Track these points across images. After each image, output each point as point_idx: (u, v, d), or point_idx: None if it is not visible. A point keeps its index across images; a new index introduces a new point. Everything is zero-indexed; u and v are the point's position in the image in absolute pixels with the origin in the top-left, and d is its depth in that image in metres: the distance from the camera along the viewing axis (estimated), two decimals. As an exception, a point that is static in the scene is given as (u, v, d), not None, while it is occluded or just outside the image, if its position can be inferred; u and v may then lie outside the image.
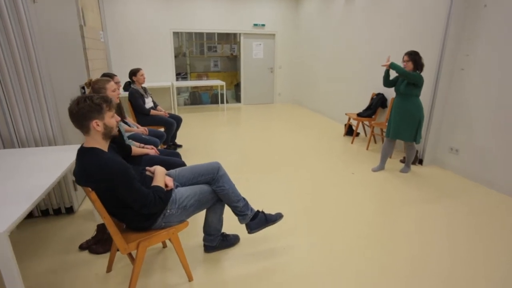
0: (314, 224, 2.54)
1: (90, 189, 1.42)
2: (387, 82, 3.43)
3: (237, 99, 8.47)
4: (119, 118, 1.58)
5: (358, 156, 4.21)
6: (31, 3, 2.19)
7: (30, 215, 2.58)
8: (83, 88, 3.09)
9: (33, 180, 1.71)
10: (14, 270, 1.28)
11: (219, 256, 2.12)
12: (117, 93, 2.37)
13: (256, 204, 2.83)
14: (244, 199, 1.99)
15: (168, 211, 1.68)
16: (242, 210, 1.96)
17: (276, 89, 8.21)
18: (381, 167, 3.70)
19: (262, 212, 2.05)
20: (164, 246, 2.22)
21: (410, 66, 3.21)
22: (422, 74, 3.25)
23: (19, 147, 2.38)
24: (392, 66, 3.21)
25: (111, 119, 1.50)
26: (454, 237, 2.38)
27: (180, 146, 4.53)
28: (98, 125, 1.44)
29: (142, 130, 3.29)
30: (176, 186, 1.83)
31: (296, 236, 2.36)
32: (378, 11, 4.70)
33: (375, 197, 3.01)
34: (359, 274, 1.97)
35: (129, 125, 3.28)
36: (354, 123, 5.23)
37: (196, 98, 8.25)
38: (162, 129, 4.14)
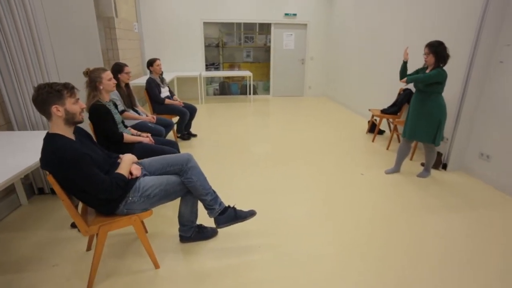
0: (301, 224, 2.43)
1: (47, 172, 1.51)
2: (405, 77, 3.10)
3: (269, 91, 8.37)
4: (84, 105, 1.64)
5: (376, 155, 3.91)
6: (38, -3, 2.37)
7: (41, 191, 2.85)
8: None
9: (26, 158, 1.88)
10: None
11: (193, 247, 2.14)
12: (113, 82, 2.47)
13: (247, 199, 2.79)
14: (213, 192, 1.97)
15: (130, 198, 1.72)
16: (210, 204, 1.94)
17: (307, 81, 7.95)
18: (395, 170, 3.39)
19: (233, 208, 2.01)
20: (145, 231, 2.29)
21: (431, 59, 2.85)
22: (450, 65, 2.85)
23: (31, 129, 2.63)
24: (409, 81, 2.91)
25: (73, 105, 1.56)
26: (471, 258, 2.10)
27: (194, 135, 4.63)
28: (58, 110, 1.51)
29: (149, 118, 3.41)
30: (144, 175, 1.86)
31: (279, 235, 2.28)
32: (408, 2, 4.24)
33: (377, 201, 2.78)
34: (336, 282, 1.84)
35: (138, 113, 3.43)
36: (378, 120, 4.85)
37: (225, 89, 8.33)
38: (176, 118, 4.27)
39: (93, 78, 2.37)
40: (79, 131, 1.74)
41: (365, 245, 2.18)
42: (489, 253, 2.11)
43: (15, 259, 2.00)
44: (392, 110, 4.29)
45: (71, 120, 1.58)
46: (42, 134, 2.42)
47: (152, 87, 4.06)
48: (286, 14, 7.19)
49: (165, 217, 2.50)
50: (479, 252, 2.12)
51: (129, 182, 1.72)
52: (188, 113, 4.22)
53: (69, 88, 1.56)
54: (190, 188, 1.90)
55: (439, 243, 2.21)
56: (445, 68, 2.85)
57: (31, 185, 2.82)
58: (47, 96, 1.49)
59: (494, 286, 1.82)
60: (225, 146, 4.21)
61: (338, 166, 3.57)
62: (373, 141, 4.47)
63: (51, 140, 1.53)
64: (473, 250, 2.14)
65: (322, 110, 6.55)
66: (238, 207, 2.07)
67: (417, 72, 3.07)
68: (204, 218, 2.26)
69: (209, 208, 1.95)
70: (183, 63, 7.25)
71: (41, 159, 1.54)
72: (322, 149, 4.13)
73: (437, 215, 2.56)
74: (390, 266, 1.98)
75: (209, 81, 8.15)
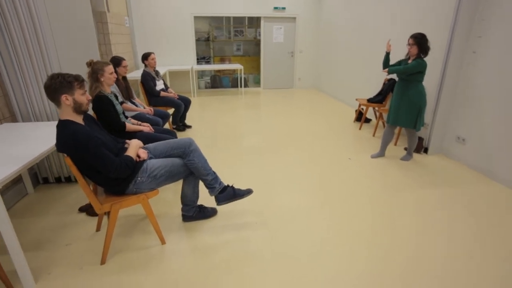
0: (293, 204, 2.64)
1: (65, 155, 1.66)
2: (387, 67, 3.33)
3: (260, 83, 8.54)
4: (90, 97, 1.78)
5: (362, 142, 4.15)
6: (39, -7, 2.47)
7: (46, 181, 2.98)
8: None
9: (34, 148, 2.00)
10: (3, 213, 1.55)
11: (195, 225, 2.32)
12: (114, 76, 2.59)
13: (240, 182, 2.98)
14: (214, 173, 2.15)
15: (139, 178, 1.89)
16: (211, 183, 2.12)
17: (296, 73, 8.14)
18: (380, 154, 3.63)
19: (231, 186, 2.19)
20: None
21: (414, 50, 3.07)
22: (429, 56, 3.09)
23: (34, 120, 2.74)
24: (390, 71, 3.15)
25: (81, 96, 1.71)
26: (447, 229, 2.35)
27: (189, 126, 4.77)
28: (67, 99, 1.65)
29: (147, 110, 3.54)
30: (150, 158, 2.03)
31: (273, 214, 2.48)
32: (396, -9, 4.46)
33: (363, 183, 3.01)
34: (327, 257, 2.06)
35: (136, 105, 3.56)
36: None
37: (216, 82, 8.46)
38: (171, 110, 4.41)
39: (95, 70, 2.49)
40: (87, 117, 1.89)
41: (349, 220, 2.41)
42: (463, 222, 2.37)
43: (28, 241, 2.15)
44: (378, 99, 4.52)
45: (78, 109, 1.72)
46: (45, 125, 2.54)
47: (148, 80, 4.18)
48: (275, 8, 7.33)
49: (167, 200, 2.67)
50: (450, 223, 2.38)
51: (137, 164, 1.89)
52: (183, 105, 4.36)
53: (79, 80, 1.71)
54: (192, 169, 2.08)
55: (417, 216, 2.45)
56: (425, 58, 3.07)
57: (36, 175, 2.94)
58: (60, 85, 1.64)
59: (468, 247, 2.08)
60: (219, 137, 4.38)
61: (327, 152, 3.79)
62: (360, 128, 4.71)
63: (64, 126, 1.68)
64: (454, 222, 2.40)
65: (312, 101, 6.76)
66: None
67: (399, 63, 3.29)
68: (204, 199, 2.45)
69: (210, 187, 2.14)
70: (175, 57, 7.33)
71: (57, 144, 1.69)
72: (312, 137, 4.34)
73: (417, 192, 2.81)
74: (377, 240, 2.21)
75: (201, 74, 8.26)
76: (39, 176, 2.95)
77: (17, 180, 2.71)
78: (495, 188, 2.91)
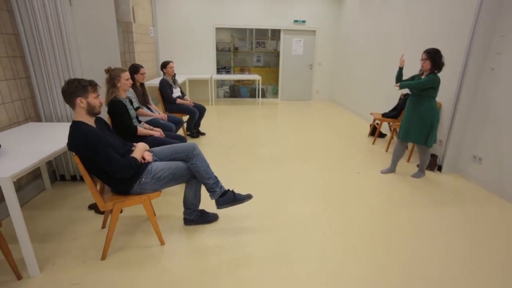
0: (297, 212, 2.64)
1: (74, 153, 1.78)
2: (400, 82, 3.29)
3: (278, 94, 8.61)
4: (102, 101, 1.92)
5: (375, 156, 4.07)
6: (67, 6, 2.69)
7: (63, 178, 3.16)
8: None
9: (51, 146, 2.15)
10: (15, 205, 1.68)
11: (195, 228, 2.38)
12: (130, 82, 2.75)
13: (248, 191, 3.02)
14: (215, 177, 2.21)
15: (144, 179, 1.99)
16: (212, 187, 2.19)
17: (314, 86, 8.16)
18: (391, 170, 3.55)
19: (232, 191, 2.25)
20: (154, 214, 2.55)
21: (427, 65, 3.02)
22: (444, 72, 3.02)
23: (56, 121, 2.94)
24: (402, 86, 3.12)
25: (94, 99, 1.84)
26: (449, 249, 2.26)
27: (203, 134, 4.89)
28: (82, 102, 1.79)
29: (162, 116, 3.69)
30: (155, 161, 2.12)
31: (275, 220, 2.50)
32: (410, 10, 4.42)
33: (368, 197, 2.96)
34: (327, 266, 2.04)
35: (151, 111, 3.72)
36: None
37: (235, 91, 8.62)
38: (187, 117, 4.56)
39: (112, 76, 2.66)
40: (99, 120, 2.02)
41: (349, 229, 2.37)
42: (464, 244, 2.27)
43: (40, 232, 2.29)
44: (392, 114, 4.44)
45: (91, 111, 1.85)
46: (65, 125, 2.71)
47: (165, 87, 4.36)
48: (296, 21, 7.45)
49: (171, 203, 2.76)
50: (454, 243, 2.29)
51: (142, 166, 1.99)
52: (197, 112, 4.49)
53: (93, 85, 1.85)
54: (195, 172, 2.15)
55: (422, 235, 2.38)
56: (440, 74, 3.02)
57: (54, 172, 3.13)
58: (75, 89, 1.78)
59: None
60: (232, 145, 4.46)
61: (338, 165, 3.76)
62: (373, 143, 4.64)
63: (76, 127, 1.81)
64: (447, 243, 2.31)
65: (328, 113, 6.73)
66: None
67: (412, 78, 3.24)
68: (206, 205, 2.51)
69: (211, 190, 2.20)
70: (195, 66, 7.59)
71: (68, 143, 1.82)
72: (325, 149, 4.32)
73: (419, 210, 2.73)
74: (376, 249, 2.16)
75: (220, 83, 8.47)
76: (57, 173, 3.14)
77: (37, 175, 2.90)
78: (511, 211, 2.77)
